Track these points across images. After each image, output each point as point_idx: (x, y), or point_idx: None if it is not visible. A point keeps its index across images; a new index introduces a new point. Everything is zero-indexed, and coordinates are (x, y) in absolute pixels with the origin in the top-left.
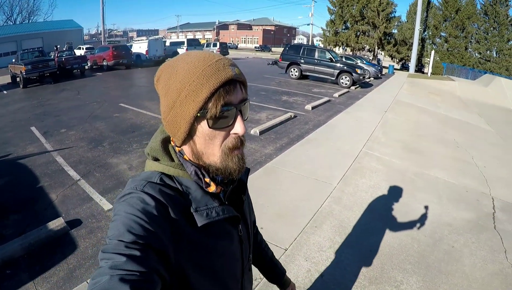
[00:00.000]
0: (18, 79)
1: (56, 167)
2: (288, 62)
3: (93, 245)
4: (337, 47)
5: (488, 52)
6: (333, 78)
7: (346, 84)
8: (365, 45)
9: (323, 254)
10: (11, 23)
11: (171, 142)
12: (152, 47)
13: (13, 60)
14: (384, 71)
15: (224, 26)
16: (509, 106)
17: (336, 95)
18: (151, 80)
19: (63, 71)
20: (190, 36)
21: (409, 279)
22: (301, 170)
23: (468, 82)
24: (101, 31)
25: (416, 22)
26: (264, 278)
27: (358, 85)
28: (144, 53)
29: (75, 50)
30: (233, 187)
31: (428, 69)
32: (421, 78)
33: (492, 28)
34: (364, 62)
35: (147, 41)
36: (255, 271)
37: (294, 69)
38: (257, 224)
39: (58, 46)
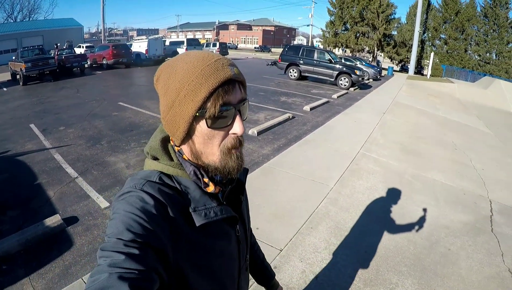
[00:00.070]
0: (18, 76)
1: (54, 164)
2: (287, 63)
3: (89, 243)
4: (336, 48)
5: (488, 54)
6: (332, 79)
7: (345, 85)
8: (365, 47)
9: (318, 255)
10: (12, 21)
11: (171, 142)
12: (152, 47)
13: (13, 58)
14: (383, 72)
15: (224, 26)
16: (508, 109)
17: (334, 96)
18: (150, 79)
19: (63, 69)
20: (190, 35)
21: (405, 281)
22: (298, 171)
23: (468, 84)
24: (101, 29)
25: (416, 24)
26: None
27: (357, 87)
28: (144, 52)
29: (75, 49)
30: (232, 187)
31: (428, 71)
32: (420, 80)
33: (491, 31)
34: (364, 63)
35: (147, 40)
36: None
37: (293, 70)
38: (253, 225)
39: (58, 44)
